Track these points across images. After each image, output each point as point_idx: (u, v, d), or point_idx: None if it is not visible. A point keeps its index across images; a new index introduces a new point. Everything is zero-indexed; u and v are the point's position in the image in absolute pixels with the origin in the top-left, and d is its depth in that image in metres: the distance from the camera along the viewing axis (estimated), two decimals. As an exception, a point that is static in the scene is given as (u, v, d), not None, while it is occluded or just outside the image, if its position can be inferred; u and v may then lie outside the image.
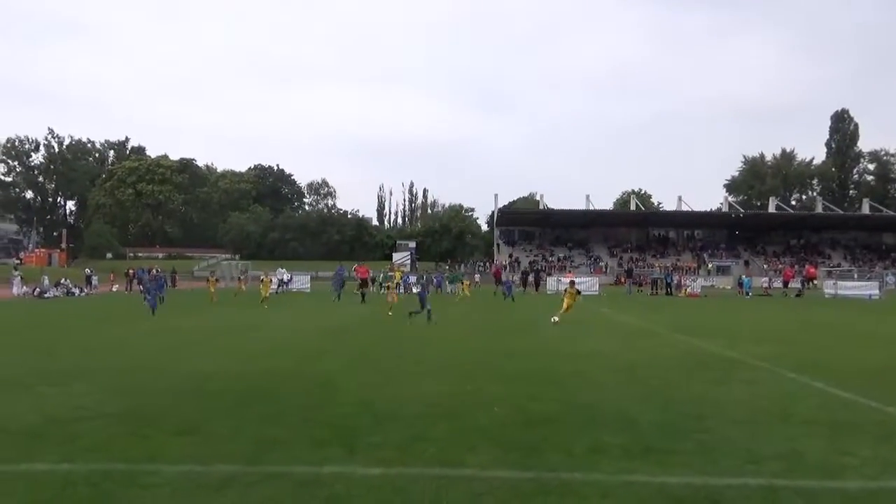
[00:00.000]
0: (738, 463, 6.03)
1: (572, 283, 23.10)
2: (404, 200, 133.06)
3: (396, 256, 72.16)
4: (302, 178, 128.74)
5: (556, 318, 19.70)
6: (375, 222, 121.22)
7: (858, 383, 10.09)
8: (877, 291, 43.61)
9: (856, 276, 55.25)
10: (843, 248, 72.25)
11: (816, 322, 23.41)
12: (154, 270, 43.45)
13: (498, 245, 74.67)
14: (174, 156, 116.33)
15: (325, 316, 24.10)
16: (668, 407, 8.37)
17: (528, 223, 77.23)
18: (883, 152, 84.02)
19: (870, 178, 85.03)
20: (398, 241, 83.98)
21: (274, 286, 39.69)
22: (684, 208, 72.42)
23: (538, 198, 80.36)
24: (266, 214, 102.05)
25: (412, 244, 78.15)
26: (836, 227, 73.73)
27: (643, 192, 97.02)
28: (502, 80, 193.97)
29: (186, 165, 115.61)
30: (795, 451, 6.45)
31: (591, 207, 72.09)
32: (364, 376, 10.49)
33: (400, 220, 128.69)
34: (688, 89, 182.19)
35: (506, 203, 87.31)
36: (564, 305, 20.57)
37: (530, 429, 7.15)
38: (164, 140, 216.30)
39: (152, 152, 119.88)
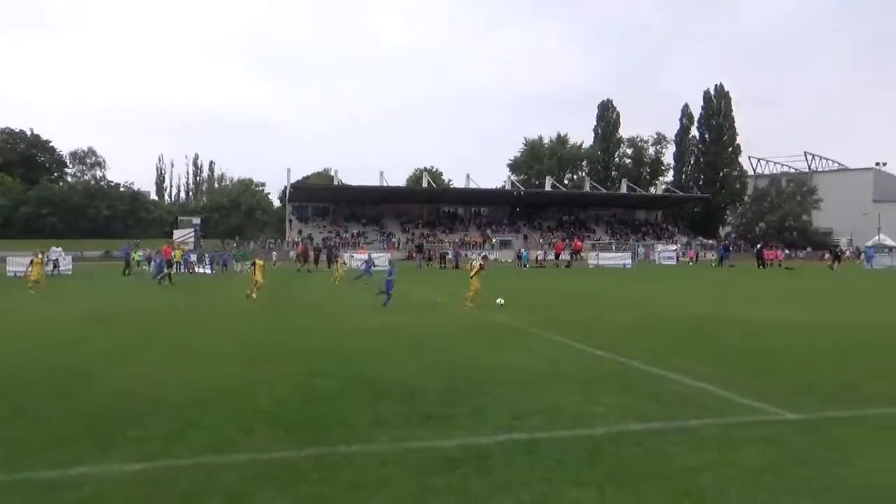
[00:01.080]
0: (506, 421, 6.48)
1: (484, 257, 19.88)
2: (188, 174, 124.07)
3: (178, 233, 67.04)
4: (63, 146, 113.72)
5: (470, 304, 17.61)
6: (154, 196, 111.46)
7: (609, 342, 11.43)
8: (630, 261, 50.01)
9: (614, 248, 62.84)
10: (605, 223, 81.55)
11: (580, 290, 26.13)
12: None
13: (290, 221, 72.76)
14: None
15: (97, 300, 21.61)
16: (450, 375, 8.74)
17: (322, 199, 76.16)
18: (638, 139, 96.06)
19: (627, 161, 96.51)
20: (180, 217, 78.03)
21: (49, 268, 34.56)
22: (472, 186, 76.49)
23: (333, 173, 79.49)
24: (16, 186, 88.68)
25: (196, 220, 73.06)
26: (600, 204, 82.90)
27: (435, 169, 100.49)
28: (297, 51, 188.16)
29: None
30: (555, 405, 7.10)
31: (385, 184, 73.12)
32: (129, 364, 9.54)
33: (183, 195, 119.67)
34: (477, 72, 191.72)
35: (299, 178, 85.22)
36: (473, 289, 17.98)
37: (312, 406, 7.03)
38: None
39: None
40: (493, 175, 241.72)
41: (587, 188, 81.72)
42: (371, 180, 76.47)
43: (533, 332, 13.07)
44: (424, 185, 78.90)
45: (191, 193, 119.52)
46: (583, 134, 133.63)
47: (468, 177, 77.32)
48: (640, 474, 5.04)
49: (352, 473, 5.01)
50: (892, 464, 5.30)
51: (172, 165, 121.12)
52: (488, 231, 75.10)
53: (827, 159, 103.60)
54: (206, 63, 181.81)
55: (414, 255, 54.75)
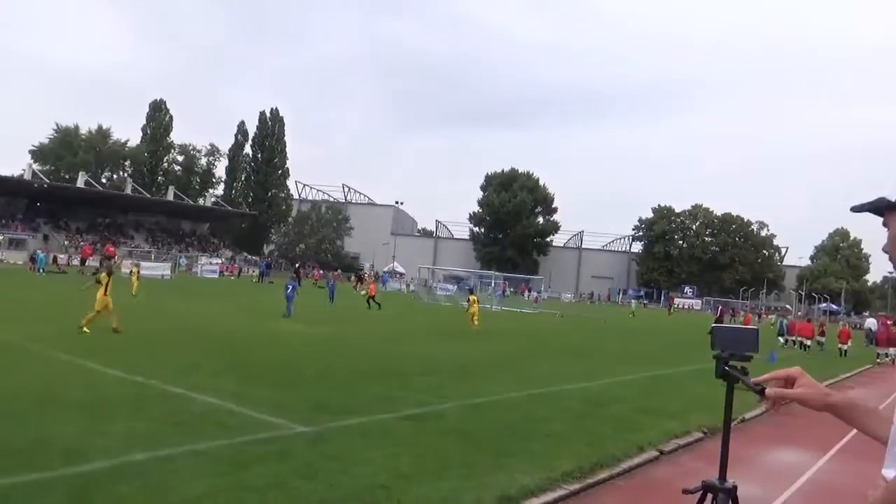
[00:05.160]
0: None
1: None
2: None
3: None
4: None
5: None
6: None
7: (127, 360, 10.25)
8: (169, 272, 47.63)
9: (153, 257, 59.09)
10: (146, 230, 75.89)
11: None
12: None
13: None
14: None
15: None
16: None
17: None
18: (191, 147, 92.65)
19: (177, 168, 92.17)
20: None
21: None
22: (-24, 169, 62.32)
23: None
24: None
25: None
26: (143, 209, 76.92)
27: (-80, 141, 78.79)
28: None
29: None
30: (44, 439, 5.88)
31: None
32: None
33: None
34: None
35: None
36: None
37: None
38: None
39: None
40: (10, 161, 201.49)
41: (129, 190, 75.08)
42: None
43: (33, 347, 10.94)
44: None
45: None
46: (129, 131, 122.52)
47: (-28, 158, 62.85)
48: (137, 512, 4.45)
49: None
50: (380, 467, 5.90)
51: None
52: (-4, 226, 62.07)
53: (359, 192, 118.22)
54: None
55: None
